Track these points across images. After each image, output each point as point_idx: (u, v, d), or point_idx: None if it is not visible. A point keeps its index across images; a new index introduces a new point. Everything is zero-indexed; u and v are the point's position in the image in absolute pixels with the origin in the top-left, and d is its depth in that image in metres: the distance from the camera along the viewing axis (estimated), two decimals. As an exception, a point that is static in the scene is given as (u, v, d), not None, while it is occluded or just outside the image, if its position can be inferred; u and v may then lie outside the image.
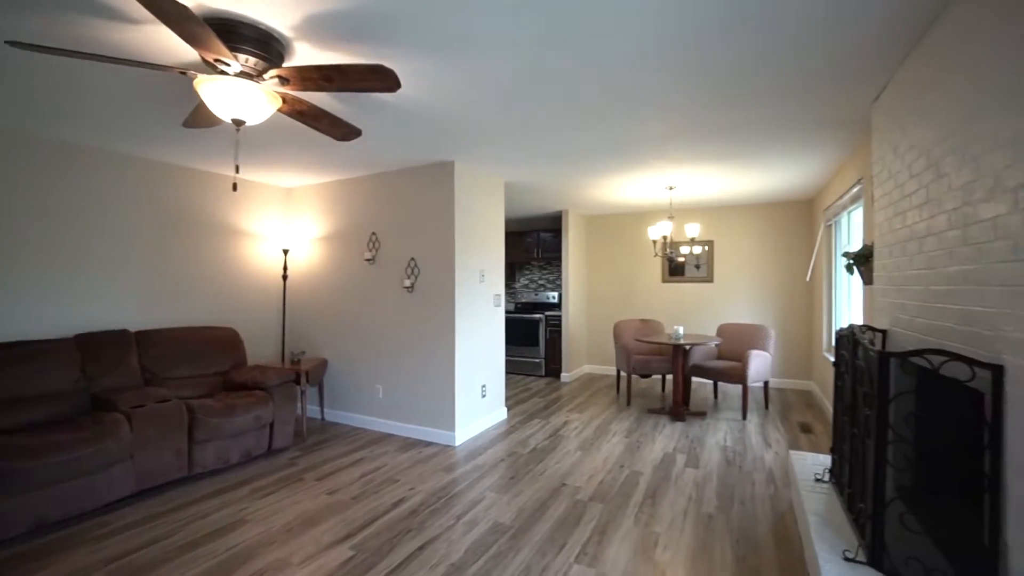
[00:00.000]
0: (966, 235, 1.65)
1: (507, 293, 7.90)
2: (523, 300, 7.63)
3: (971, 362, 1.48)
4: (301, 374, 4.09)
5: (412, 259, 4.17)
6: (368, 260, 4.37)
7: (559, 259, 6.92)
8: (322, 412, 4.66)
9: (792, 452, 2.99)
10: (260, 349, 4.64)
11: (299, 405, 4.11)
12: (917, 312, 2.07)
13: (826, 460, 2.81)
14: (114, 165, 3.59)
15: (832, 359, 4.59)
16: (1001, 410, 1.43)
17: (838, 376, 2.47)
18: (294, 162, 3.98)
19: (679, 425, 4.52)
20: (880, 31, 2.01)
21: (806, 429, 4.37)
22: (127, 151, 3.60)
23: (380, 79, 1.82)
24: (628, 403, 5.26)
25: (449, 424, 4.00)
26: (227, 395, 3.54)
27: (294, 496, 3.03)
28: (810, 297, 5.90)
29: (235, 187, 1.97)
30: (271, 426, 3.59)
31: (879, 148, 2.65)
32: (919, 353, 1.62)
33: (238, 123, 1.81)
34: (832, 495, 2.37)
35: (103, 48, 1.99)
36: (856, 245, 4.26)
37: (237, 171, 2.10)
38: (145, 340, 3.52)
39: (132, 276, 3.71)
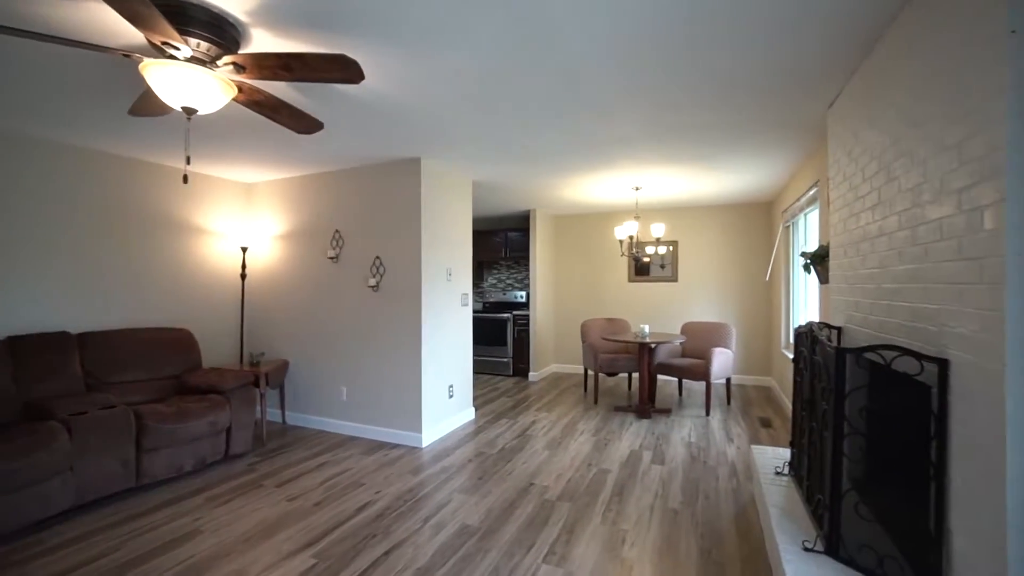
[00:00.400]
0: (915, 235, 1.72)
1: (475, 292, 7.86)
2: (491, 299, 7.61)
3: (919, 356, 1.55)
4: (260, 376, 3.94)
5: (377, 258, 4.08)
6: (332, 258, 4.25)
7: (527, 258, 6.93)
8: (283, 415, 4.50)
9: (753, 447, 3.07)
10: (217, 351, 4.44)
11: (259, 409, 3.96)
12: (870, 310, 2.15)
13: (786, 453, 2.89)
14: (53, 155, 3.36)
15: (791, 356, 4.77)
16: (946, 402, 1.50)
17: (797, 372, 2.55)
18: (254, 156, 3.83)
19: (645, 422, 4.58)
20: (837, 40, 2.08)
21: (766, 423, 4.52)
22: (65, 140, 3.37)
23: (342, 69, 1.76)
24: (595, 401, 5.31)
25: (416, 425, 3.93)
26: (180, 399, 3.37)
27: (253, 504, 2.90)
28: (769, 296, 6.10)
29: (185, 179, 1.86)
30: (228, 431, 3.44)
31: (834, 152, 2.75)
32: (873, 349, 1.68)
33: (189, 112, 1.71)
34: (791, 487, 2.44)
35: (35, 24, 1.85)
36: (813, 246, 4.42)
37: (188, 163, 1.99)
38: (89, 343, 3.31)
39: (74, 275, 3.48)
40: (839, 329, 2.53)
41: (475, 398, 5.53)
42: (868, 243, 2.19)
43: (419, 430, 3.92)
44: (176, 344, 3.74)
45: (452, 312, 4.40)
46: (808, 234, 4.72)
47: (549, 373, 7.07)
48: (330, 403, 4.30)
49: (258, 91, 2.00)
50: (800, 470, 2.35)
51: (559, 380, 6.61)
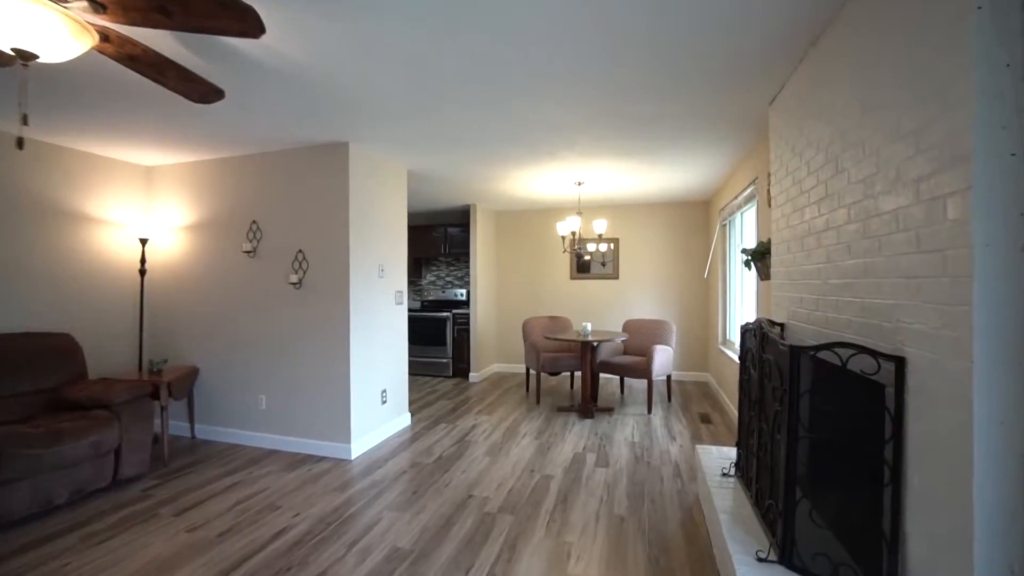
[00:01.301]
0: (866, 228, 1.66)
1: (413, 290, 7.51)
2: (430, 298, 7.29)
3: (876, 355, 1.47)
4: (161, 386, 3.44)
5: (300, 251, 3.69)
6: (248, 252, 3.81)
7: (467, 255, 6.68)
8: (192, 429, 4.00)
9: (698, 447, 3.01)
10: (110, 359, 3.86)
11: (160, 423, 3.47)
12: (815, 305, 2.11)
13: (730, 453, 2.85)
14: None
15: (729, 353, 4.85)
16: (903, 401, 1.43)
17: (743, 370, 2.49)
18: (151, 134, 3.33)
19: (588, 422, 4.48)
20: (782, 30, 2.01)
21: (706, 420, 4.55)
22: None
23: (237, 19, 1.45)
24: (538, 401, 5.16)
25: (344, 436, 3.59)
26: (53, 418, 2.85)
27: (143, 538, 2.48)
28: (706, 293, 6.22)
29: (20, 144, 1.46)
30: (117, 452, 2.96)
31: (777, 147, 2.73)
32: (828, 347, 1.60)
33: (25, 57, 1.34)
34: (739, 489, 2.37)
35: None
36: (750, 243, 4.50)
37: (24, 122, 1.58)
38: (-69, 352, 2.73)
39: (-87, 269, 2.86)
40: (782, 325, 2.50)
41: (412, 402, 5.22)
42: (813, 238, 2.15)
43: (347, 440, 3.58)
44: (52, 352, 3.18)
45: (385, 311, 4.08)
46: (744, 232, 4.81)
47: (491, 373, 6.87)
48: (247, 414, 3.86)
49: (132, 43, 1.63)
50: (748, 472, 2.28)
51: (501, 380, 6.42)
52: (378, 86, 2.57)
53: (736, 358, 4.52)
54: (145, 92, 2.57)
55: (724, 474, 2.53)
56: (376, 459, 3.59)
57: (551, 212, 6.74)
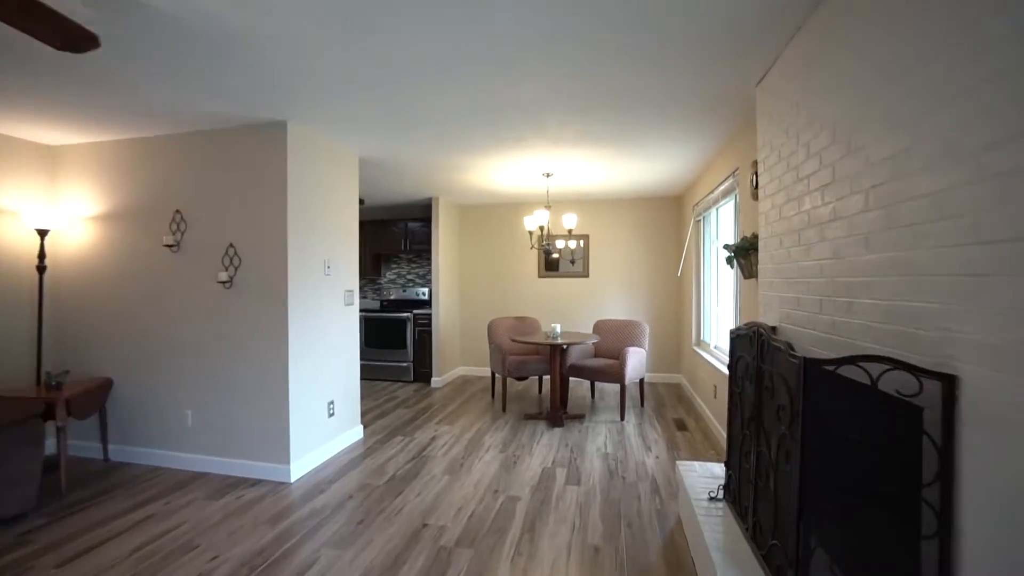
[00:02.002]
0: (893, 216, 1.37)
1: (372, 289, 7.04)
2: (391, 297, 6.84)
3: (917, 371, 1.18)
4: (59, 403, 2.92)
5: (231, 246, 3.22)
6: (170, 247, 3.31)
7: (430, 251, 6.27)
8: (105, 451, 3.46)
9: (679, 464, 2.72)
10: None
11: (57, 447, 2.94)
12: (818, 307, 1.83)
13: (715, 470, 2.57)
14: None
15: (704, 354, 4.62)
16: (953, 431, 1.14)
17: (734, 381, 2.20)
18: (51, 105, 2.80)
19: (558, 431, 4.16)
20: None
21: (681, 426, 4.30)
22: None
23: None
24: (504, 409, 4.81)
25: (282, 455, 3.15)
26: (-94, 447, 2.32)
27: (12, 597, 2.00)
28: (679, 292, 6.01)
29: None
30: (-7, 486, 2.44)
31: (766, 132, 2.46)
32: (852, 361, 1.30)
33: None
34: (729, 517, 2.08)
35: None
36: (726, 239, 4.27)
37: None
38: None
39: None
40: (773, 328, 2.23)
41: (367, 412, 4.79)
42: (815, 230, 1.87)
43: (286, 461, 3.14)
44: (-86, 365, 2.62)
45: (332, 313, 3.65)
46: (720, 228, 4.58)
47: (455, 377, 6.48)
48: (171, 431, 3.36)
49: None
50: (741, 498, 1.99)
51: (466, 385, 6.05)
52: (318, 51, 2.16)
53: (712, 360, 4.31)
54: (33, 52, 2.07)
55: (712, 498, 2.24)
56: (319, 481, 3.16)
57: (518, 206, 6.40)
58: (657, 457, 3.56)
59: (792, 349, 1.53)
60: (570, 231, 4.61)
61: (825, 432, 1.38)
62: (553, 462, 3.47)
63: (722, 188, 3.93)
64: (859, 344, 1.50)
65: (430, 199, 6.01)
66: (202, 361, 3.28)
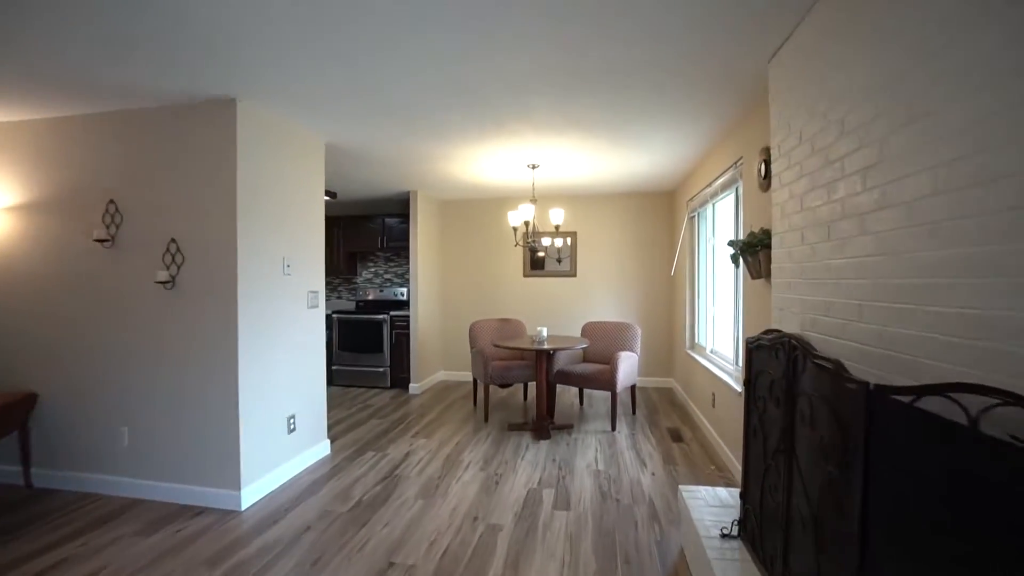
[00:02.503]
0: (979, 200, 1.06)
1: (347, 289, 6.64)
2: (369, 297, 6.44)
3: (1038, 407, 0.87)
4: (-37, 424, 2.50)
5: (172, 241, 2.82)
6: (103, 241, 2.89)
7: (408, 249, 5.88)
8: (27, 476, 3.03)
9: (682, 489, 2.40)
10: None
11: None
12: (856, 313, 1.52)
13: (722, 495, 2.26)
14: None
15: (699, 359, 4.31)
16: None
17: (753, 400, 1.88)
18: (-63, 73, 2.38)
19: (544, 444, 3.83)
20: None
21: (677, 437, 4.00)
22: None
23: None
24: (486, 419, 4.47)
25: (231, 479, 2.76)
26: None
27: None
28: (671, 293, 5.73)
29: None
30: None
31: (783, 112, 2.15)
32: (938, 390, 0.98)
33: None
34: (748, 559, 1.77)
35: None
36: (722, 237, 3.99)
37: None
38: None
39: None
40: (792, 337, 1.93)
41: (337, 423, 4.41)
42: (852, 222, 1.57)
43: (236, 486, 2.76)
44: None
45: (293, 316, 3.26)
46: (717, 225, 4.30)
47: (436, 383, 6.11)
48: (105, 452, 2.95)
49: None
50: (764, 542, 1.68)
51: (447, 391, 5.69)
52: (268, 11, 1.78)
53: (709, 366, 4.01)
54: None
55: (724, 534, 1.92)
56: (275, 508, 2.78)
57: (502, 202, 6.05)
58: (653, 474, 3.25)
59: (846, 371, 1.21)
60: (557, 227, 4.28)
61: (895, 483, 1.05)
62: (539, 482, 3.14)
63: (721, 181, 3.63)
64: (930, 364, 1.19)
65: (408, 193, 5.63)
66: (140, 372, 2.87)
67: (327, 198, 5.44)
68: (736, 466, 3.13)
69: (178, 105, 2.79)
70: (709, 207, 4.32)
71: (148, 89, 2.58)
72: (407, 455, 3.62)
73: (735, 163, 3.27)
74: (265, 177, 2.98)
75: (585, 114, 3.04)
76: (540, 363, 4.08)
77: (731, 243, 2.76)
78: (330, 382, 5.89)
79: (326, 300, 6.65)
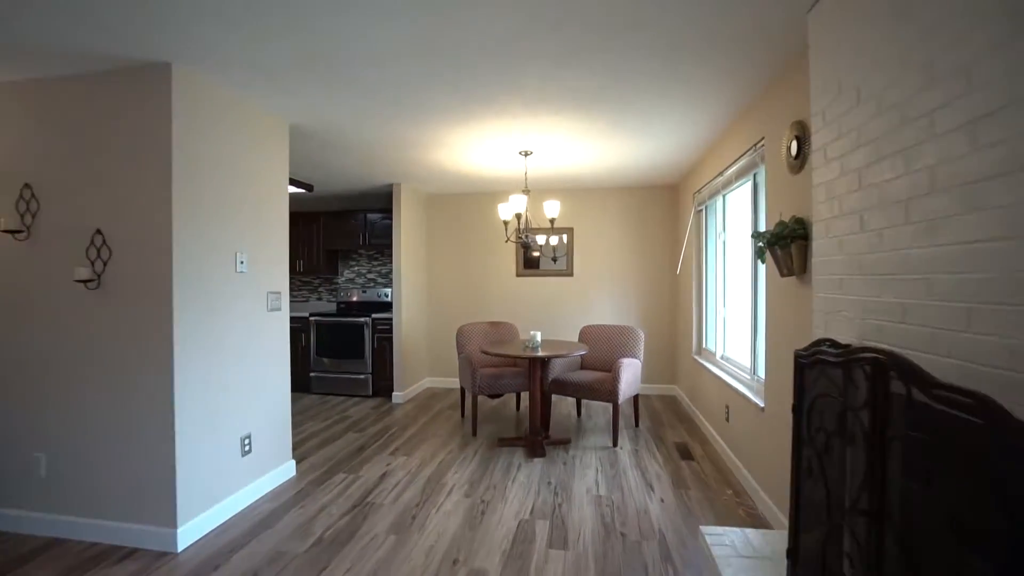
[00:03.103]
0: None
1: (328, 290, 6.20)
2: (352, 299, 6.00)
3: None
4: None
5: (98, 232, 2.38)
6: (14, 233, 2.45)
7: (392, 247, 5.46)
8: (-69, 507, 2.58)
9: (705, 532, 2.00)
10: None
11: None
12: (962, 320, 1.12)
13: (758, 543, 1.86)
14: None
15: (708, 365, 3.86)
16: None
17: (805, 432, 1.47)
18: None
19: (538, 463, 3.42)
20: None
21: (686, 454, 3.59)
22: None
23: None
24: (474, 432, 4.04)
25: (165, 515, 2.32)
26: None
27: None
28: (675, 293, 5.33)
29: None
30: None
31: (832, 68, 1.75)
32: None
33: None
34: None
35: None
36: (735, 230, 3.59)
37: None
38: None
39: None
40: (846, 348, 1.53)
41: (307, 438, 3.97)
42: (950, 197, 1.16)
43: (172, 522, 2.32)
44: None
45: (249, 321, 2.83)
46: (728, 218, 3.90)
47: (422, 390, 5.69)
48: (16, 483, 2.50)
49: None
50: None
51: (433, 399, 5.26)
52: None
53: (720, 374, 3.58)
54: None
55: (766, 600, 1.51)
56: (219, 549, 2.35)
57: (493, 195, 5.63)
58: (662, 500, 2.84)
59: (1005, 413, 0.80)
60: (552, 221, 3.87)
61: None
62: (532, 511, 2.72)
63: (736, 168, 3.24)
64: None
65: (391, 186, 5.20)
66: (59, 388, 2.43)
67: (302, 191, 5.02)
68: (756, 489, 2.72)
69: (102, 72, 2.35)
70: (719, 199, 3.92)
71: (64, 51, 2.15)
72: (383, 477, 3.19)
73: (754, 145, 2.87)
74: (212, 160, 2.55)
75: (583, 87, 2.64)
76: (533, 372, 3.67)
77: (756, 235, 2.35)
78: (307, 390, 5.47)
79: (305, 302, 6.22)
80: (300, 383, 5.49)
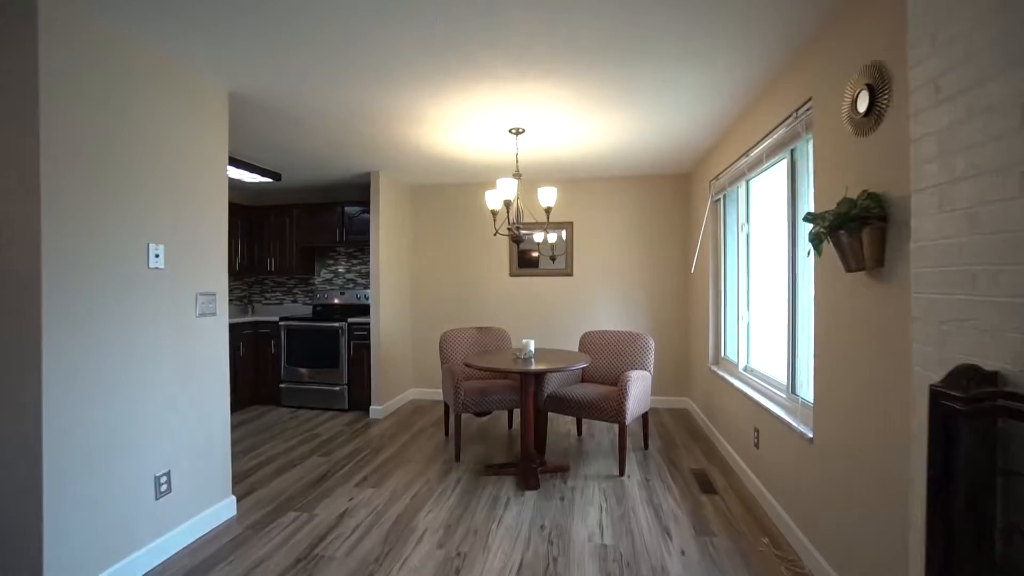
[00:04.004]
0: None
1: (304, 291, 5.65)
2: (330, 301, 5.44)
3: None
4: None
5: (-49, 215, 1.83)
6: None
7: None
8: None
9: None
10: None
11: None
12: None
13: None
14: None
15: (728, 376, 3.20)
16: None
17: (944, 486, 0.90)
18: None
19: (530, 499, 2.86)
20: None
21: (706, 485, 3.02)
22: None
23: None
24: (457, 456, 3.48)
25: (35, 588, 1.77)
26: None
27: None
28: (687, 294, 4.77)
29: None
30: None
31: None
32: None
33: None
34: None
35: None
36: (767, 220, 3.04)
37: None
38: None
39: None
40: (993, 375, 0.97)
41: (265, 463, 3.42)
42: None
43: (42, 598, 1.76)
44: None
45: (170, 329, 2.28)
46: (752, 207, 3.35)
47: (406, 403, 5.13)
48: None
49: None
50: None
51: (416, 414, 4.70)
52: None
53: (745, 388, 2.95)
54: None
55: None
56: (107, 630, 1.79)
57: (482, 186, 5.07)
58: (683, 552, 2.28)
59: None
60: (548, 212, 3.32)
61: None
62: (520, 567, 2.16)
63: (768, 143, 2.68)
64: None
65: (369, 175, 4.65)
66: (-94, 417, 1.88)
67: (268, 180, 4.48)
68: (800, 539, 2.15)
69: (-44, 5, 1.81)
70: (741, 186, 3.37)
71: None
72: (342, 516, 2.64)
73: (795, 112, 2.31)
74: (112, 127, 2.00)
75: (581, 35, 2.09)
76: (526, 388, 3.11)
77: (812, 218, 1.79)
78: (277, 403, 4.93)
79: (278, 304, 5.66)
80: (270, 395, 4.95)
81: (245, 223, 5.20)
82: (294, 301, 5.66)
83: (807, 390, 2.37)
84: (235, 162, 3.99)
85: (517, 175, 3.30)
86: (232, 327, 4.67)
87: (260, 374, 4.98)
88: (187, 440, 2.38)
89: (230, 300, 5.41)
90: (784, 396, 2.61)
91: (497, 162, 4.22)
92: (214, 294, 2.56)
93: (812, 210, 2.12)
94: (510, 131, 3.35)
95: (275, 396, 4.92)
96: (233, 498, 2.69)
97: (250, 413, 4.74)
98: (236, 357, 4.70)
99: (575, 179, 4.94)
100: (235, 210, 4.91)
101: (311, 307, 5.52)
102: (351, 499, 2.86)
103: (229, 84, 2.59)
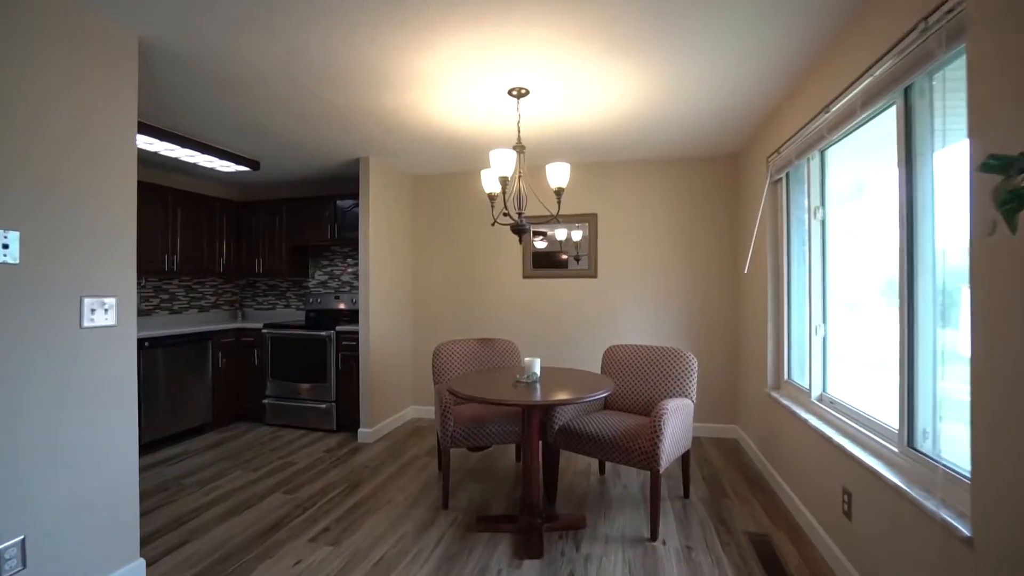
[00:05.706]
0: None
1: (297, 295, 5.10)
2: (323, 306, 4.87)
3: None
4: None
5: None
6: None
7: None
8: None
9: None
10: None
11: None
12: None
13: None
14: None
15: (793, 406, 2.39)
16: None
17: None
18: None
19: (534, 569, 2.13)
20: None
21: (770, 559, 2.21)
22: None
23: None
24: (445, 502, 2.78)
25: None
26: None
27: None
28: (739, 301, 3.94)
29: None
30: None
31: None
32: None
33: None
34: None
35: None
36: (854, 200, 2.23)
37: None
38: None
39: None
40: None
41: (214, 502, 2.81)
42: None
43: None
44: None
45: (34, 345, 1.68)
46: (828, 185, 2.54)
47: (405, 422, 4.49)
48: None
49: None
50: None
51: (412, 438, 4.05)
52: None
53: (825, 429, 2.03)
54: None
55: None
56: None
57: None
58: None
59: None
60: (559, 193, 2.60)
61: None
62: None
63: (869, 82, 1.88)
64: None
65: (358, 161, 4.05)
66: None
67: (245, 169, 3.94)
68: None
69: None
70: (814, 157, 2.56)
71: None
72: (276, 594, 1.98)
73: (925, 19, 1.52)
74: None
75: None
76: (529, 421, 2.40)
77: (1001, 163, 1.01)
78: (260, 420, 4.37)
79: (270, 310, 5.12)
80: (254, 412, 4.40)
81: (231, 220, 4.68)
82: (287, 306, 5.12)
83: (935, 444, 1.57)
84: (201, 146, 3.45)
85: (519, 147, 2.59)
86: (210, 335, 4.16)
87: (243, 388, 4.43)
88: (63, 493, 1.78)
89: (217, 304, 4.92)
90: (894, 450, 1.80)
91: (500, 137, 3.53)
92: (112, 298, 1.96)
93: (957, 166, 1.33)
94: (510, 92, 2.65)
95: (260, 413, 4.37)
96: (141, 561, 2.08)
97: (230, 432, 4.19)
98: (215, 369, 4.18)
99: (598, 163, 4.19)
100: (218, 205, 4.41)
101: (305, 313, 4.96)
102: (298, 562, 2.21)
103: (140, 30, 2.01)
